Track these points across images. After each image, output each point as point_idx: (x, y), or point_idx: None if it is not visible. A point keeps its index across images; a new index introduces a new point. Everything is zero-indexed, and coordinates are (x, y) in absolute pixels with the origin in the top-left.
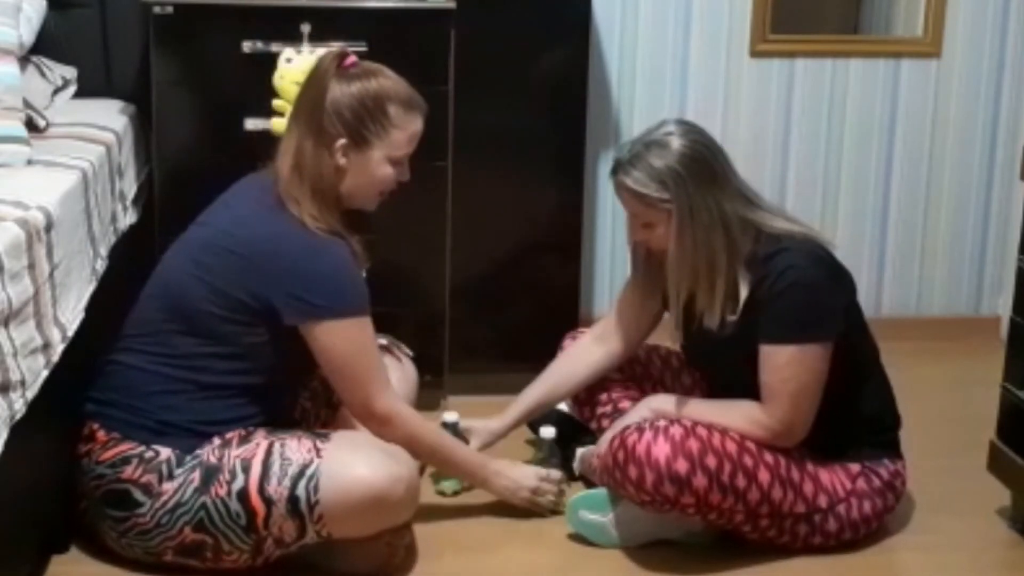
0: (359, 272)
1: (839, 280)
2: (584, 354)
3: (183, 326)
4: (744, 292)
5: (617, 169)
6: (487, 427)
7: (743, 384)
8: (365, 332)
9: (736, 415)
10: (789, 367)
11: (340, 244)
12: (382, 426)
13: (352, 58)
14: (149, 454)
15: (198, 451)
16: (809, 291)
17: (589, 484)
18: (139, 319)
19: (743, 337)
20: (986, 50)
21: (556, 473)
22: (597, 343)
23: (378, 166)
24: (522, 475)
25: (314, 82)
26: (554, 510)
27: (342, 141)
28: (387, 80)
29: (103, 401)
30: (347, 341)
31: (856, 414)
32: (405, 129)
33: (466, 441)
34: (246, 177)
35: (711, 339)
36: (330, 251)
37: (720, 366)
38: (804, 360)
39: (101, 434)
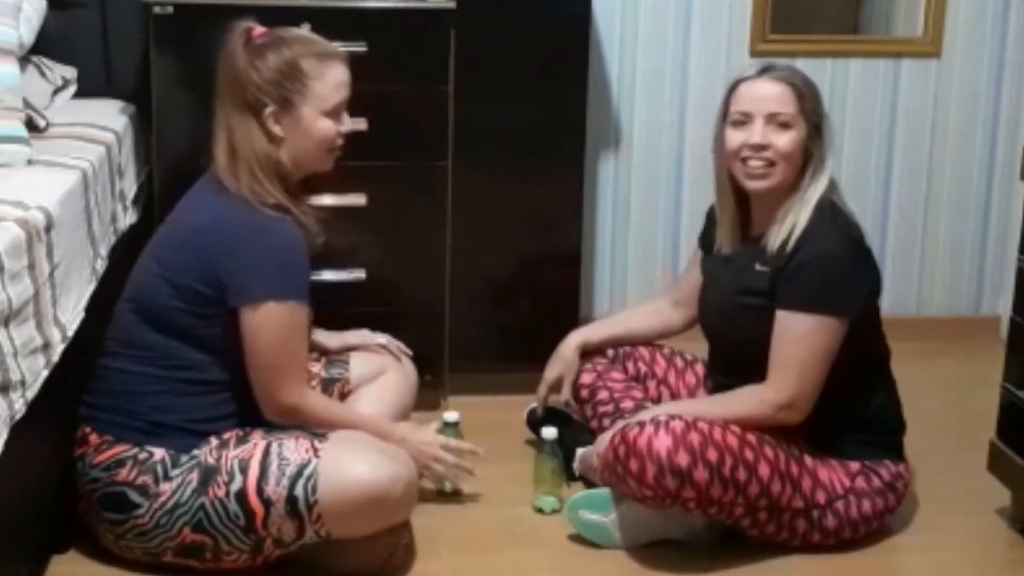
0: (300, 255)
1: (866, 266)
2: (664, 314)
3: (154, 325)
4: (777, 241)
5: (776, 67)
6: (566, 360)
7: (750, 352)
8: (293, 319)
9: (737, 399)
10: (803, 337)
11: (283, 223)
12: (285, 417)
13: (259, 30)
14: (143, 455)
15: (195, 451)
16: (835, 265)
17: (590, 485)
18: (118, 322)
19: (761, 298)
20: (986, 50)
21: (458, 443)
22: (674, 308)
23: (313, 123)
24: (424, 440)
25: (228, 63)
26: (453, 484)
27: (269, 109)
28: (296, 40)
29: (94, 404)
30: (272, 325)
31: (860, 412)
32: (324, 79)
33: (464, 441)
34: (206, 173)
35: (730, 292)
36: (269, 231)
37: (731, 327)
38: (818, 332)
39: (94, 437)
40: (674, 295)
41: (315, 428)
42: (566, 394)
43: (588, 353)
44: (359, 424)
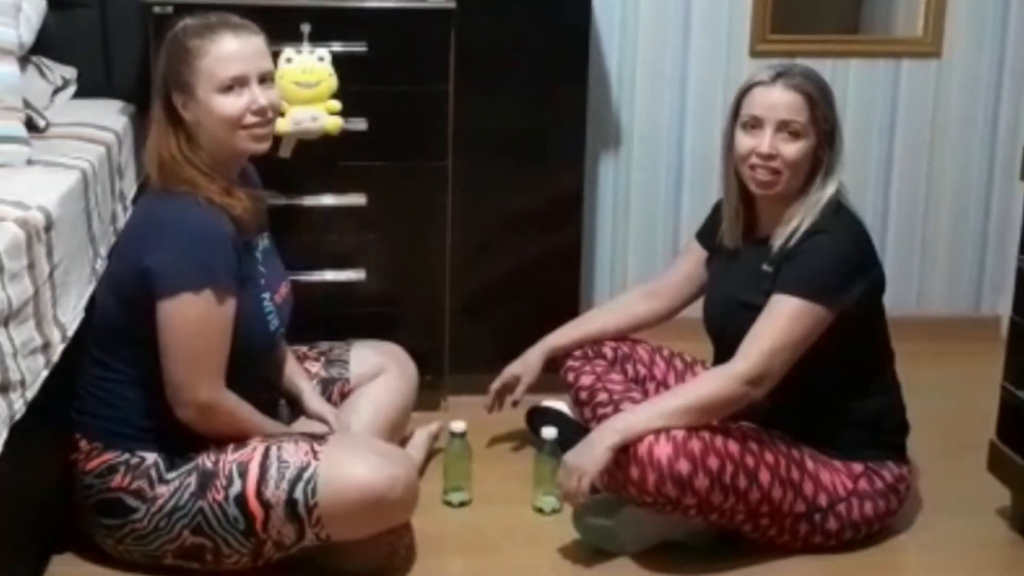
0: (216, 241)
1: (866, 263)
2: (630, 306)
3: (115, 336)
4: (781, 240)
5: (791, 72)
6: (527, 363)
7: None
8: (210, 309)
9: (704, 380)
10: (785, 319)
11: (199, 211)
12: (199, 415)
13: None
14: (135, 461)
15: (191, 454)
16: (832, 256)
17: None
18: (92, 332)
19: (767, 298)
20: (986, 50)
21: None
22: (643, 299)
23: (212, 102)
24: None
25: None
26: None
27: (176, 97)
28: (191, 22)
29: (82, 411)
30: (188, 316)
31: (864, 413)
32: (209, 55)
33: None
34: None
35: (736, 293)
36: (184, 220)
37: (737, 328)
38: (802, 317)
39: (84, 444)
40: (649, 285)
41: (223, 431)
42: (518, 395)
43: (560, 357)
44: (265, 433)
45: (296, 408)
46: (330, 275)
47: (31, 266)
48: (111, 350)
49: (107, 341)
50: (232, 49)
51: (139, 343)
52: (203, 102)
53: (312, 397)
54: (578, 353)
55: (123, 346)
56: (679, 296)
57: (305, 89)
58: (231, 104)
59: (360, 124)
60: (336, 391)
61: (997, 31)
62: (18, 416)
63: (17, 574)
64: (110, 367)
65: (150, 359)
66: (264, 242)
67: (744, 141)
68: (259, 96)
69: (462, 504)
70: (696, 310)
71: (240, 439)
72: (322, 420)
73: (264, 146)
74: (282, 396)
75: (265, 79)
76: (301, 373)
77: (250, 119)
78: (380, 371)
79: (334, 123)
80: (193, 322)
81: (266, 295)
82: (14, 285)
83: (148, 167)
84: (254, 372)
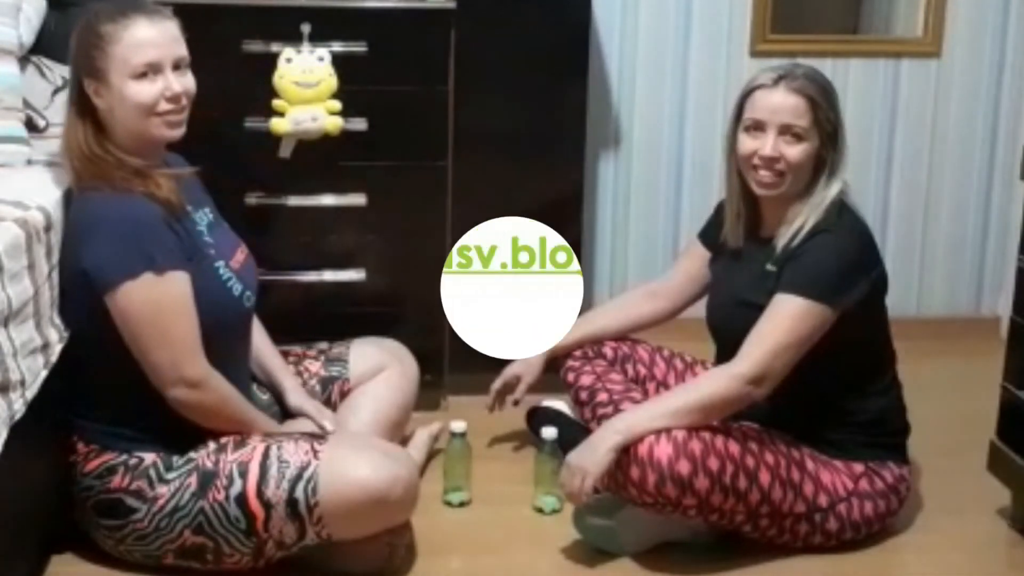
0: (141, 225)
1: (868, 262)
2: (631, 306)
3: (85, 340)
4: (785, 240)
5: (793, 75)
6: (528, 363)
7: None
8: (160, 291)
9: (706, 380)
10: (789, 318)
11: (115, 199)
12: (193, 389)
13: None
14: (133, 461)
15: (191, 454)
16: (835, 255)
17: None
18: (70, 338)
19: (771, 298)
20: (986, 50)
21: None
22: (645, 299)
23: (123, 89)
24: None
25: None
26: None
27: (87, 83)
28: (96, 8)
29: (77, 414)
30: (139, 304)
31: (865, 413)
32: (122, 40)
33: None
34: None
35: (741, 293)
36: (103, 212)
37: (741, 329)
38: (805, 316)
39: (81, 446)
40: (651, 285)
41: (218, 416)
42: (518, 395)
43: (560, 357)
44: (254, 423)
45: (284, 407)
46: (330, 275)
47: (31, 266)
48: (88, 354)
49: (82, 346)
50: (146, 35)
51: (108, 344)
52: (116, 88)
53: (294, 393)
54: (578, 353)
55: (96, 350)
56: (681, 296)
57: (305, 89)
58: (144, 91)
59: (360, 124)
60: (336, 389)
61: (997, 31)
62: (18, 416)
63: (17, 574)
64: (93, 370)
65: (125, 359)
66: (207, 216)
67: (747, 142)
68: (173, 82)
69: (462, 504)
70: (697, 310)
71: (235, 426)
72: (304, 415)
73: (178, 133)
74: (268, 393)
75: (179, 65)
76: (286, 371)
77: (164, 106)
78: (380, 369)
79: (334, 123)
80: (145, 307)
81: (220, 263)
82: (14, 285)
83: (65, 172)
84: (234, 350)
